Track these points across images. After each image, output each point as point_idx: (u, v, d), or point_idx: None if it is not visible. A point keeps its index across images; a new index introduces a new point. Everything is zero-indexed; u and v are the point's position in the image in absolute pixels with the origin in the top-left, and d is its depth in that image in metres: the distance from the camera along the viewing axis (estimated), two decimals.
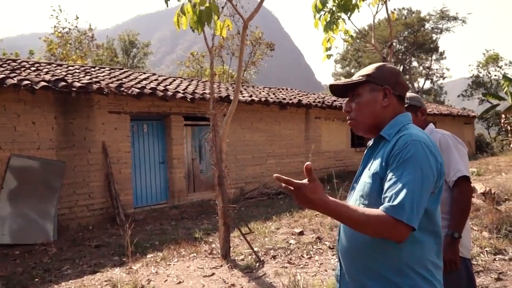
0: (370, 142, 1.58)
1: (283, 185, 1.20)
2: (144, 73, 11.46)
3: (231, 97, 9.76)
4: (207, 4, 3.70)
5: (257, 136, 11.20)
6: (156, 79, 10.25)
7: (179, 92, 8.93)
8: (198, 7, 3.71)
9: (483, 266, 3.99)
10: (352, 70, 41.84)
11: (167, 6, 3.71)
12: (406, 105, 2.22)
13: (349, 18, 8.23)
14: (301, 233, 5.77)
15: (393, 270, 1.28)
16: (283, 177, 1.17)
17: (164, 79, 10.77)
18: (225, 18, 4.42)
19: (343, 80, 1.50)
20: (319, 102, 12.87)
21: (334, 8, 7.95)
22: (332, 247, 5.01)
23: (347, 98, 1.54)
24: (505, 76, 12.78)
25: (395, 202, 1.16)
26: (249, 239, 5.55)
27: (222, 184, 4.85)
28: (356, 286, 1.37)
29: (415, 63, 38.93)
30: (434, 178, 1.25)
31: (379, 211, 1.18)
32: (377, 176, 1.30)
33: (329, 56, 9.00)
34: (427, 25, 34.68)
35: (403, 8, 37.49)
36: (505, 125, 15.63)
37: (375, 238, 1.25)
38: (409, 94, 2.32)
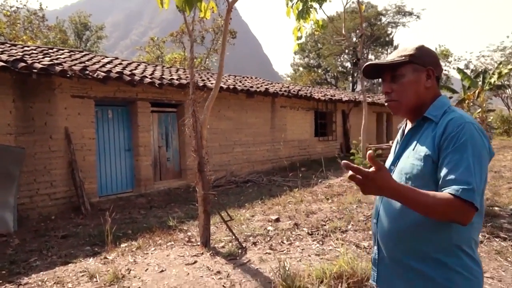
0: (402, 125, 1.59)
1: (349, 173, 1.15)
2: (107, 57, 10.95)
3: (200, 84, 9.59)
4: None
5: (224, 124, 11.10)
6: (121, 63, 9.84)
7: (147, 77, 8.62)
8: None
9: None
10: (311, 61, 42.46)
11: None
12: None
13: (320, 7, 8.30)
14: (277, 220, 5.81)
15: (442, 250, 1.29)
16: (352, 164, 1.13)
17: (129, 64, 10.36)
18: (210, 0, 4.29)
19: (385, 60, 1.47)
20: (285, 91, 12.94)
21: None
22: (310, 233, 5.08)
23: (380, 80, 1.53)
24: (458, 69, 13.47)
25: (468, 186, 1.17)
26: (226, 226, 5.51)
27: (202, 170, 4.75)
28: (399, 269, 1.37)
29: (371, 56, 40.15)
30: (489, 159, 1.27)
31: (446, 194, 1.18)
32: (429, 158, 1.30)
33: (300, 45, 9.05)
34: (384, 19, 35.78)
35: (362, 2, 38.42)
36: None
37: (425, 219, 1.25)
38: None
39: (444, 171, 1.24)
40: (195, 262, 4.24)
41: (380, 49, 37.56)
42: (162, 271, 4.03)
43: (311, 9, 7.98)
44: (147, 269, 4.12)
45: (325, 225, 5.39)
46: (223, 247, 4.72)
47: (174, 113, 9.98)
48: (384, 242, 1.43)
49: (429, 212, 1.19)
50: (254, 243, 4.80)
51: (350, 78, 39.07)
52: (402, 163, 1.42)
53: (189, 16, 4.66)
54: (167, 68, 12.27)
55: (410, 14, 34.59)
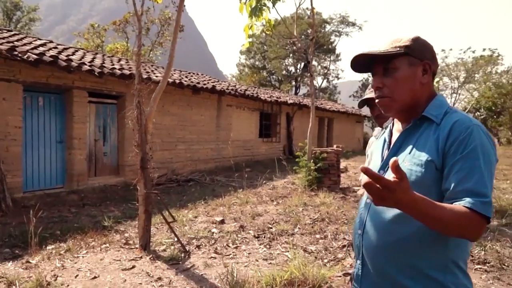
0: (389, 125, 1.43)
1: (363, 178, 0.96)
2: (40, 39, 10.00)
3: (144, 76, 9.07)
4: None
5: (168, 120, 10.63)
6: (56, 47, 9.01)
7: (85, 64, 7.95)
8: None
9: None
10: (257, 63, 42.64)
11: None
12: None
13: (273, 7, 8.22)
14: (222, 222, 5.57)
15: (437, 267, 1.15)
16: (373, 171, 0.94)
17: (65, 48, 9.53)
18: None
19: (378, 50, 1.29)
20: (232, 89, 12.73)
21: None
22: (257, 236, 4.90)
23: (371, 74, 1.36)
24: None
25: (484, 198, 1.05)
26: (168, 228, 5.18)
27: (145, 167, 4.39)
28: (387, 286, 1.21)
29: (314, 62, 41.13)
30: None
31: (462, 207, 1.04)
32: (432, 164, 1.14)
33: (251, 43, 8.89)
34: (328, 27, 36.90)
35: (307, 8, 39.24)
36: None
37: (420, 232, 1.12)
38: None
39: (453, 181, 1.09)
40: (133, 267, 3.88)
41: (323, 56, 38.66)
42: (95, 277, 3.63)
43: (264, 8, 7.87)
44: (77, 275, 3.68)
45: (271, 228, 5.25)
46: (164, 250, 4.39)
47: (114, 105, 9.35)
48: (371, 256, 1.26)
49: (443, 228, 1.04)
50: (198, 246, 4.53)
51: (294, 82, 39.78)
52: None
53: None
54: (108, 57, 11.51)
55: (353, 24, 36.01)
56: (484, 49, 31.99)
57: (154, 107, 4.45)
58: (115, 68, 8.69)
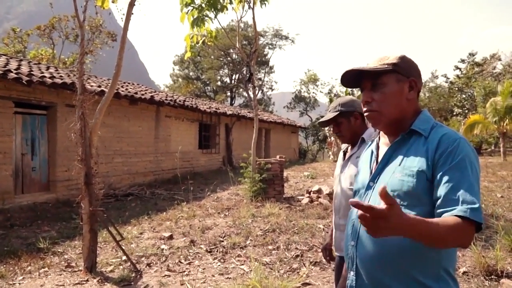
0: (375, 138, 1.47)
1: (358, 212, 0.94)
2: None
3: (77, 85, 8.54)
4: None
5: (104, 131, 10.06)
6: None
7: (11, 72, 7.30)
8: None
9: None
10: (191, 73, 42.25)
11: None
12: (337, 112, 2.19)
13: (215, 17, 8.23)
14: (170, 237, 5.37)
15: (431, 275, 1.20)
16: (363, 203, 0.92)
17: None
18: None
19: (367, 66, 1.34)
20: (171, 100, 12.45)
21: (203, 5, 7.83)
22: (209, 250, 4.79)
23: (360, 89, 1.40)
24: (330, 94, 14.79)
25: (475, 205, 1.09)
26: (113, 246, 4.88)
27: (90, 183, 4.11)
28: None
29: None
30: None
31: (453, 218, 1.08)
32: (423, 175, 1.20)
33: (193, 54, 8.82)
34: (262, 40, 37.71)
35: (241, 21, 39.77)
36: (331, 135, 18.08)
37: (415, 242, 1.15)
38: (340, 99, 2.27)
39: (444, 190, 1.14)
40: None
41: (258, 68, 39.36)
42: None
43: (206, 18, 7.83)
44: None
45: (223, 241, 5.16)
46: (112, 271, 4.12)
47: (44, 116, 8.67)
48: (367, 267, 1.27)
49: (442, 244, 1.07)
50: (149, 265, 4.32)
51: (229, 93, 39.97)
52: (385, 179, 1.29)
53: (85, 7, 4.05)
54: (35, 64, 10.68)
55: (286, 38, 37.19)
56: None
57: (100, 119, 4.21)
58: (45, 77, 8.08)
